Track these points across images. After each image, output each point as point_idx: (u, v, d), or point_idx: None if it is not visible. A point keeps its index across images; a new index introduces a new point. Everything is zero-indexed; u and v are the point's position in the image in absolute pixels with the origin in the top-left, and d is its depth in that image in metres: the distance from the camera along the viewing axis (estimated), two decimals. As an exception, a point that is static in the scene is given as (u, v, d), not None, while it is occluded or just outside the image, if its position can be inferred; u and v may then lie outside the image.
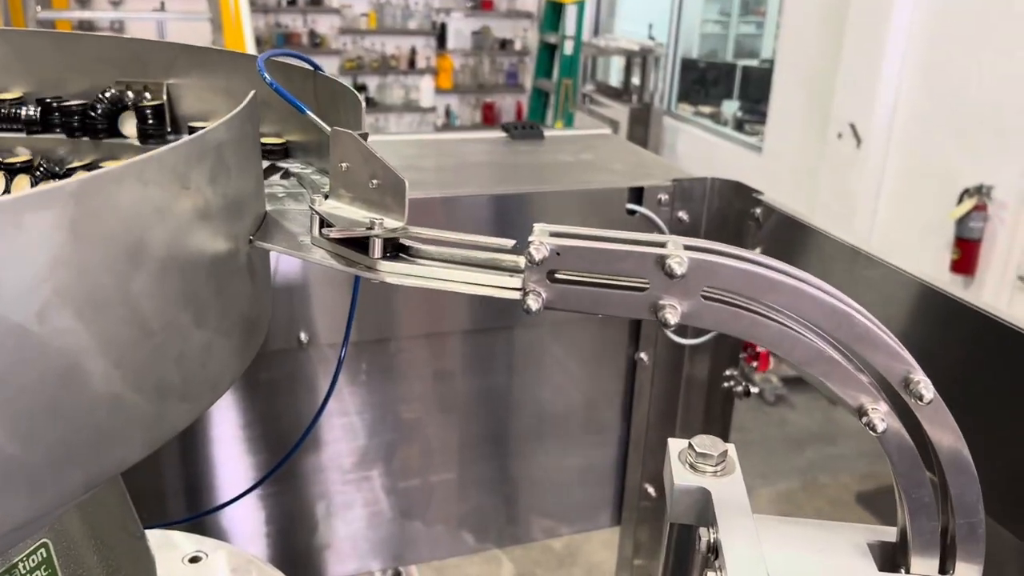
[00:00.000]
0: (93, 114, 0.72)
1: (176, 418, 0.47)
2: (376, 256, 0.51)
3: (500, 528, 1.41)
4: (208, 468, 1.20)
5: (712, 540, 0.54)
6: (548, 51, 7.66)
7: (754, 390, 1.26)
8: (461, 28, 8.46)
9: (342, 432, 1.25)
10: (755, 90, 6.06)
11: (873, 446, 0.50)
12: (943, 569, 0.53)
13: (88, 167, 0.72)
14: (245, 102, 0.52)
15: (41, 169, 0.71)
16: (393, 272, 0.51)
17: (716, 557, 0.53)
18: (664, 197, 1.21)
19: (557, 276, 0.49)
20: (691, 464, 0.59)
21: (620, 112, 6.70)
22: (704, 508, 0.57)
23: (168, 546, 0.77)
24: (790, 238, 1.13)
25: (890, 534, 0.56)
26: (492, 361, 1.31)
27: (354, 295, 0.78)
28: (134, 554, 0.64)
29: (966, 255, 3.75)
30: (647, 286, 0.48)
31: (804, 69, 4.90)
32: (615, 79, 7.66)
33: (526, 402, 1.34)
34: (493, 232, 1.11)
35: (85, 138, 0.73)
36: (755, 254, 0.48)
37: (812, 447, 1.28)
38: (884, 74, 4.13)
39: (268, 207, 0.60)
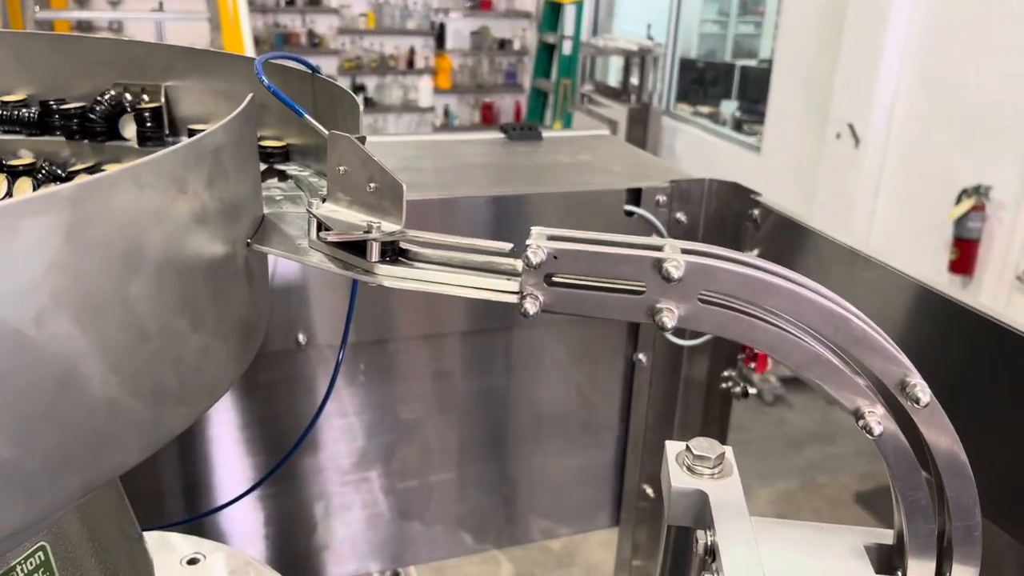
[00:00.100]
0: (92, 116, 0.72)
1: (173, 422, 0.47)
2: (373, 260, 0.51)
3: (499, 529, 1.42)
4: (206, 469, 1.20)
5: (709, 543, 0.54)
6: (547, 51, 7.67)
7: (752, 391, 1.26)
8: (460, 28, 8.46)
9: (340, 433, 1.25)
10: (753, 90, 6.06)
11: (872, 446, 0.50)
12: (940, 572, 0.53)
13: (90, 170, 0.72)
14: (242, 106, 0.52)
15: (43, 172, 0.71)
16: (390, 275, 0.51)
17: (713, 560, 0.53)
18: (662, 198, 1.21)
19: (554, 279, 0.49)
20: (688, 467, 0.59)
21: (619, 112, 6.70)
22: (701, 510, 0.57)
23: (166, 548, 0.77)
24: (788, 239, 1.13)
25: (887, 536, 0.56)
26: (491, 362, 1.31)
27: (352, 297, 0.78)
28: (132, 556, 0.64)
29: (964, 255, 3.75)
30: (644, 290, 0.48)
31: (802, 69, 4.90)
32: (614, 79, 7.66)
33: (524, 403, 1.34)
34: (491, 233, 1.11)
35: (84, 141, 0.73)
36: (752, 258, 0.48)
37: (811, 447, 1.28)
38: (882, 74, 4.13)
39: (266, 210, 0.60)
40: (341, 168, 0.55)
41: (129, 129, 0.73)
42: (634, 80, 7.02)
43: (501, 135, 1.47)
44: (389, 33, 8.21)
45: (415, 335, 1.24)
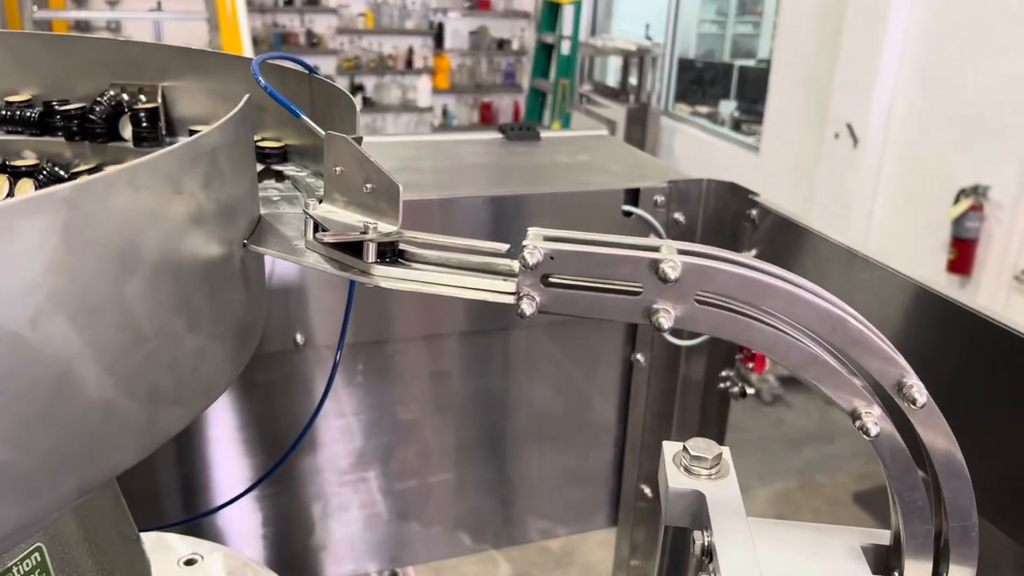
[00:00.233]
0: (92, 117, 0.72)
1: (169, 423, 0.47)
2: (370, 260, 0.51)
3: (497, 529, 1.42)
4: (204, 470, 1.20)
5: (706, 543, 0.54)
6: (545, 51, 7.67)
7: (750, 391, 1.26)
8: (458, 28, 8.46)
9: (338, 433, 1.25)
10: (752, 90, 6.06)
11: (870, 446, 0.50)
12: (936, 572, 0.53)
13: (93, 171, 0.72)
14: (239, 106, 0.51)
15: (45, 173, 0.71)
16: (387, 276, 0.51)
17: (710, 560, 0.53)
18: (660, 199, 1.21)
19: (551, 280, 0.49)
20: (686, 467, 0.59)
21: (617, 112, 6.69)
22: (699, 511, 0.57)
23: (163, 548, 0.77)
24: (786, 239, 1.13)
25: (884, 537, 0.56)
26: (488, 362, 1.31)
27: (350, 297, 0.78)
28: (129, 557, 0.64)
29: (962, 255, 3.75)
30: (641, 290, 0.48)
31: (801, 69, 4.90)
32: (612, 79, 7.66)
33: (522, 403, 1.34)
34: (490, 234, 1.11)
35: (84, 142, 0.73)
36: (749, 258, 0.48)
37: (809, 447, 1.28)
38: (881, 74, 4.14)
39: (263, 210, 0.60)
40: (338, 169, 0.55)
41: (129, 130, 0.73)
42: (632, 80, 7.02)
43: (499, 135, 1.47)
44: (388, 33, 8.21)
45: (413, 336, 1.24)
